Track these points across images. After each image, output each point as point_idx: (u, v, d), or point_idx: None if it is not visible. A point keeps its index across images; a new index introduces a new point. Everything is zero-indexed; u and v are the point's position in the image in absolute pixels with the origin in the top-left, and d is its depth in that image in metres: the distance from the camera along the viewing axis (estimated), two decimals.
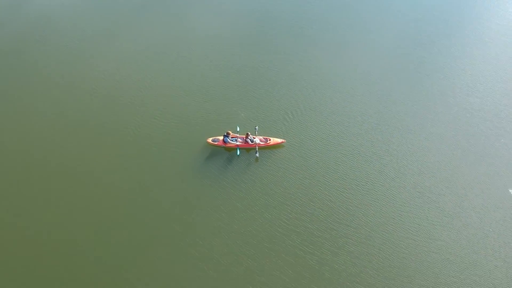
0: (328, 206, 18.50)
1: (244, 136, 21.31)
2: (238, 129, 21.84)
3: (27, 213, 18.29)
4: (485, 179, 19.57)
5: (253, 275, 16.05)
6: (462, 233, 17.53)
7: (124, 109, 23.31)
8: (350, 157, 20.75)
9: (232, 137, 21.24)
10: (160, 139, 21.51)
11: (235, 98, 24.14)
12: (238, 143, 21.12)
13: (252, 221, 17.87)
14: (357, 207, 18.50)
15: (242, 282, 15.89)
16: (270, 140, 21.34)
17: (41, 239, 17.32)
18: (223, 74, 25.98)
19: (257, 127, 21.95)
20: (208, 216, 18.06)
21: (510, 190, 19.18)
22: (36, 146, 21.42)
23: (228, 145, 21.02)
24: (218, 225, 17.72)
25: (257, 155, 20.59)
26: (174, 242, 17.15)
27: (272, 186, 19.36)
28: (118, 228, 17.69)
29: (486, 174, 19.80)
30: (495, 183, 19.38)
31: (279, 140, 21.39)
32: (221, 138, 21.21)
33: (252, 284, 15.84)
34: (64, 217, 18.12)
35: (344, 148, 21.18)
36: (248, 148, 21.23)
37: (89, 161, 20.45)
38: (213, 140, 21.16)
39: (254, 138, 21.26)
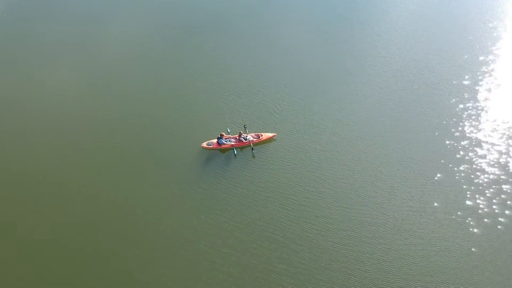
0: (328, 189, 19.74)
1: (237, 135, 22.11)
2: (228, 130, 22.64)
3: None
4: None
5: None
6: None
7: (105, 130, 23.27)
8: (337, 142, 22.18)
9: (225, 138, 21.98)
10: (153, 153, 21.76)
11: (216, 101, 24.88)
12: (232, 143, 21.88)
13: (258, 215, 18.69)
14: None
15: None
16: (262, 135, 22.27)
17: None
18: (197, 79, 26.70)
19: (246, 125, 22.87)
20: (217, 217, 18.65)
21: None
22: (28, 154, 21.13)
23: (224, 146, 21.75)
24: (225, 224, 18.37)
25: (254, 151, 21.47)
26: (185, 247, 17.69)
27: (272, 179, 20.24)
28: (120, 236, 17.94)
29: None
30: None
31: (270, 134, 22.37)
32: (215, 141, 21.89)
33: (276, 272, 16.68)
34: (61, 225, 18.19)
35: (331, 132, 22.58)
36: (242, 147, 22.05)
37: (88, 174, 20.44)
38: (207, 144, 21.80)
39: (246, 136, 22.11)
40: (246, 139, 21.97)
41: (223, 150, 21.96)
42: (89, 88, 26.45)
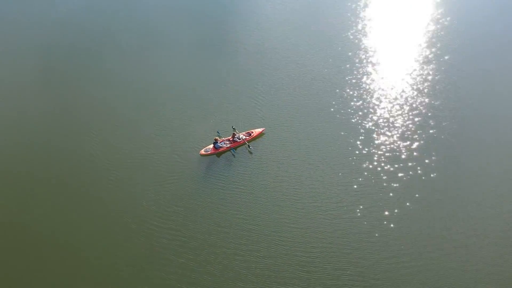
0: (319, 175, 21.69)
1: (231, 137, 22.99)
2: (219, 133, 23.38)
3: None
4: None
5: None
6: None
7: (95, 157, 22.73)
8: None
9: (221, 142, 22.72)
10: (155, 172, 21.60)
11: (198, 109, 25.41)
12: (228, 145, 22.72)
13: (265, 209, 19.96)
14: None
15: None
16: (253, 132, 23.43)
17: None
18: (175, 92, 26.98)
19: (233, 126, 23.84)
20: (230, 216, 19.42)
21: None
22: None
23: (221, 149, 22.49)
24: (246, 224, 19.33)
25: (251, 148, 22.55)
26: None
27: (273, 172, 21.54)
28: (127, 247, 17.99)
29: None
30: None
31: (260, 130, 23.63)
32: (211, 146, 22.53)
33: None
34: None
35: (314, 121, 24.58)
36: (237, 146, 22.99)
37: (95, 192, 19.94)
38: (205, 151, 22.37)
39: (239, 135, 23.09)
40: (240, 139, 22.95)
41: (220, 154, 22.69)
42: None
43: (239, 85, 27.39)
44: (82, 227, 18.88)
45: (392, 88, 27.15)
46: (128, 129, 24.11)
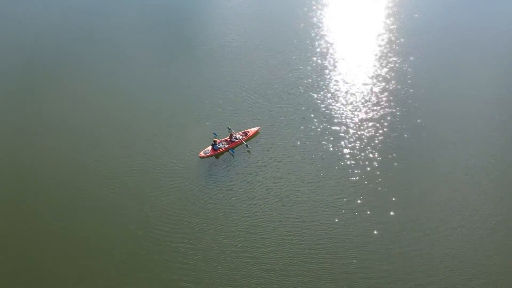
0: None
1: (228, 138, 23.31)
2: (215, 134, 23.65)
3: None
4: None
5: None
6: None
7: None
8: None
9: (219, 143, 23.00)
10: (153, 176, 21.70)
11: (192, 112, 25.64)
12: (227, 146, 23.02)
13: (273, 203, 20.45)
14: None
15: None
16: (248, 131, 23.81)
17: None
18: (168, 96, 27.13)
19: (229, 127, 24.17)
20: (235, 215, 19.74)
21: None
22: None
23: (220, 150, 22.78)
24: (254, 226, 19.74)
25: (248, 147, 22.92)
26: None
27: (272, 169, 22.01)
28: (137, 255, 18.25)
29: None
30: None
31: (255, 129, 24.05)
32: (210, 148, 22.78)
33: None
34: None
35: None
36: (235, 146, 23.32)
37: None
38: (204, 153, 22.61)
39: (236, 135, 23.43)
40: (237, 139, 23.28)
41: (218, 155, 22.97)
42: None
43: (228, 87, 27.84)
44: (89, 237, 18.82)
45: (350, 84, 28.02)
46: (122, 138, 24.07)
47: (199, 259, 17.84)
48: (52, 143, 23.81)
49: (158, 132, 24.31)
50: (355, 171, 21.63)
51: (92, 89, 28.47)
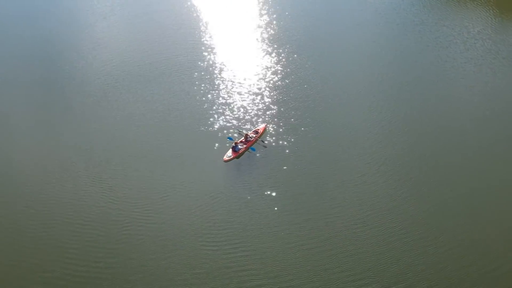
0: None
1: (243, 138, 24.84)
2: (232, 139, 24.88)
3: None
4: None
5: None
6: None
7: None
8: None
9: (239, 143, 24.42)
10: (187, 193, 22.24)
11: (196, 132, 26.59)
12: (245, 146, 24.51)
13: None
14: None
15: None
16: (258, 129, 25.60)
17: None
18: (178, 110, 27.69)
19: (238, 130, 25.73)
20: (269, 210, 21.40)
21: None
22: None
23: (241, 151, 24.16)
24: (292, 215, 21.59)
25: (264, 143, 24.67)
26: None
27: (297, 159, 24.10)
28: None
29: None
30: None
31: (263, 126, 25.93)
32: (230, 151, 24.08)
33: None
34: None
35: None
36: (252, 145, 24.82)
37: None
38: (227, 157, 23.84)
39: (250, 134, 25.10)
40: (252, 137, 24.93)
41: (239, 156, 24.33)
42: None
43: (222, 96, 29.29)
44: (134, 260, 18.99)
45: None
46: (145, 163, 24.10)
47: (254, 267, 19.12)
48: None
49: (175, 153, 24.83)
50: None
51: None
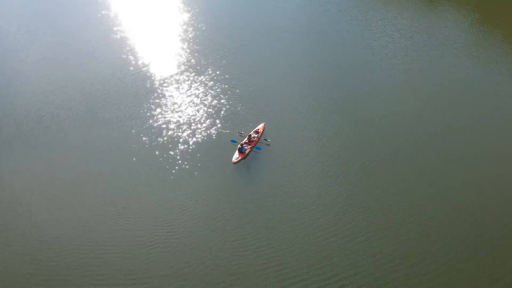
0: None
1: (246, 139, 25.47)
2: (236, 142, 25.42)
3: None
4: None
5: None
6: None
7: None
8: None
9: (244, 144, 25.04)
10: (205, 202, 22.67)
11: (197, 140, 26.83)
12: (251, 146, 25.15)
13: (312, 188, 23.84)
14: None
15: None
16: (259, 129, 26.32)
17: None
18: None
19: (238, 132, 26.30)
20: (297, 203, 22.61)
21: None
22: None
23: (247, 152, 24.78)
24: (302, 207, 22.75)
25: (268, 141, 25.47)
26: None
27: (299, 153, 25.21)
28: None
29: None
30: None
31: (262, 125, 26.70)
32: (237, 153, 24.64)
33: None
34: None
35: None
36: (256, 144, 25.62)
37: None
38: (235, 159, 24.40)
39: (252, 135, 25.75)
40: (255, 137, 25.62)
41: (246, 156, 24.94)
42: None
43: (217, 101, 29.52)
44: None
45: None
46: (165, 176, 24.29)
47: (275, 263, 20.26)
48: None
49: (184, 164, 24.95)
50: None
51: None
